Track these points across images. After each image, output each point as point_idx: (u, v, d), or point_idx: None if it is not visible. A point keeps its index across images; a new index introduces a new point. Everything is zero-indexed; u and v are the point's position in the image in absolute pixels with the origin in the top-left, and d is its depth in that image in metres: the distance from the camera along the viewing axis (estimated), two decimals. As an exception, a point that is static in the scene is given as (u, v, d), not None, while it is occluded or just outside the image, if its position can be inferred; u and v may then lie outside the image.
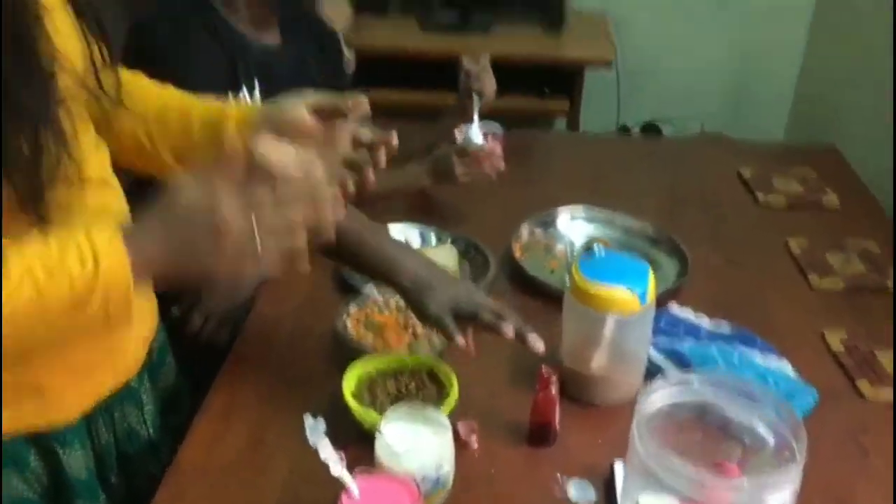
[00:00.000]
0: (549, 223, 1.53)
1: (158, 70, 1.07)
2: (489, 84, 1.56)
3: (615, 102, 2.93)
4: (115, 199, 0.96)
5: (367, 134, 0.97)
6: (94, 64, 0.88)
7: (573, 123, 2.71)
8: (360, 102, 0.93)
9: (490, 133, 1.55)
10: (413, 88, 2.65)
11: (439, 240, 1.47)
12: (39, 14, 0.80)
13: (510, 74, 2.64)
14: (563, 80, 2.69)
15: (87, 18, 0.87)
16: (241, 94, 1.35)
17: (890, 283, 1.41)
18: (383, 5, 2.88)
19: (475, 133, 1.46)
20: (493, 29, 2.79)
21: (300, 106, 0.93)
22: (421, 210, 1.56)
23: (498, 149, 1.48)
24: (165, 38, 1.31)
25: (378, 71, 2.20)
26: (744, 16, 2.90)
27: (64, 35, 0.84)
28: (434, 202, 1.59)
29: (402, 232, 1.45)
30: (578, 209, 1.55)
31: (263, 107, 1.01)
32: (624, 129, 2.97)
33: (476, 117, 1.51)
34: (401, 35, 2.76)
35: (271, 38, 1.44)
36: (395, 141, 0.95)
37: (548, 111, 2.80)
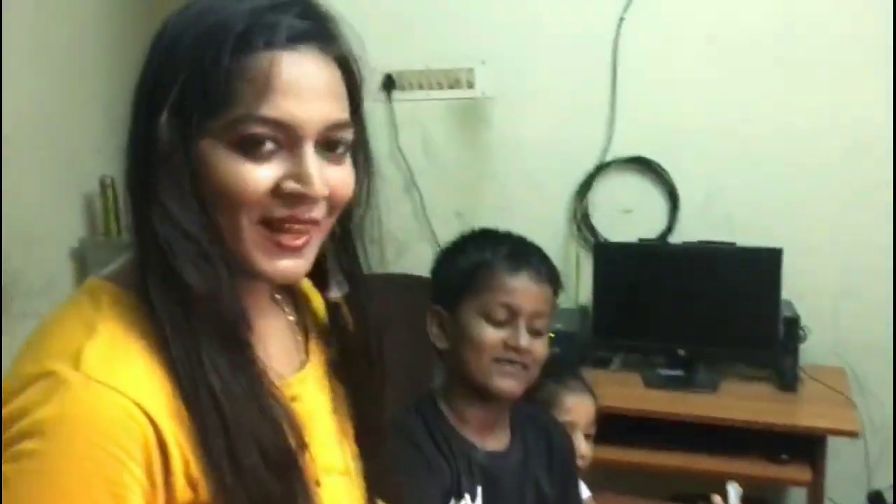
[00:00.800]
0: None
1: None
2: None
3: (864, 465, 2.68)
4: None
5: None
6: None
7: (816, 494, 2.47)
8: None
9: None
10: (637, 447, 2.59)
11: None
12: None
13: (740, 437, 2.54)
14: (801, 444, 2.51)
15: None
16: (463, 500, 1.37)
17: None
18: (606, 361, 2.93)
19: None
20: (720, 387, 2.72)
21: None
22: None
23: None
24: (397, 449, 1.37)
25: (600, 427, 2.18)
26: None
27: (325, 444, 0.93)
28: None
29: None
30: None
31: None
32: (876, 496, 2.67)
33: None
34: (624, 391, 2.75)
35: (498, 441, 1.46)
36: None
37: (787, 479, 2.58)
